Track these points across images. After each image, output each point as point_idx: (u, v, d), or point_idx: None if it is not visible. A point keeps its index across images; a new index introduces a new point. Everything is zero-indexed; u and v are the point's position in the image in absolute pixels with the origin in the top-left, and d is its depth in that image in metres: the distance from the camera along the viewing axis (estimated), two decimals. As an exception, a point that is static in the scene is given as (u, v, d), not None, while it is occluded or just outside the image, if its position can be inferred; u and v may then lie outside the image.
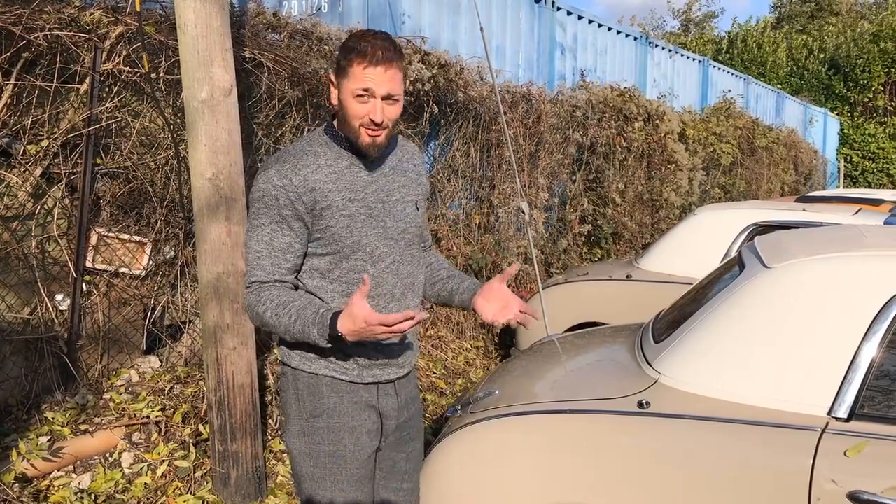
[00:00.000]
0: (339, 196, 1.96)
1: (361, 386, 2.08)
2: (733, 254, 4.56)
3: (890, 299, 2.18)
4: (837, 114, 22.17)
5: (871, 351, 2.15)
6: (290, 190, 1.92)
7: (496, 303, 2.17)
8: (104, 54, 3.73)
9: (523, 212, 4.96)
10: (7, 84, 3.47)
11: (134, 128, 3.90)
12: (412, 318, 1.80)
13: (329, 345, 1.91)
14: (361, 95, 1.89)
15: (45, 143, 3.59)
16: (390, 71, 1.89)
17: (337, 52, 1.95)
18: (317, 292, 2.02)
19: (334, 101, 1.97)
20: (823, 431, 2.10)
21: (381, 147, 1.99)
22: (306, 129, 4.57)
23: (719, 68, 13.95)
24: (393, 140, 2.16)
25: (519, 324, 2.15)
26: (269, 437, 3.90)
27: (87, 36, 3.67)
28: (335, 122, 2.04)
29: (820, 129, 19.76)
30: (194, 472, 3.52)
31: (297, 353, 2.07)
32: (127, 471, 3.48)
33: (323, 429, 2.05)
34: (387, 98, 1.91)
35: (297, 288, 2.03)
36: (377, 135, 1.94)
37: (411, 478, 2.31)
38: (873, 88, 21.91)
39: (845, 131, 22.13)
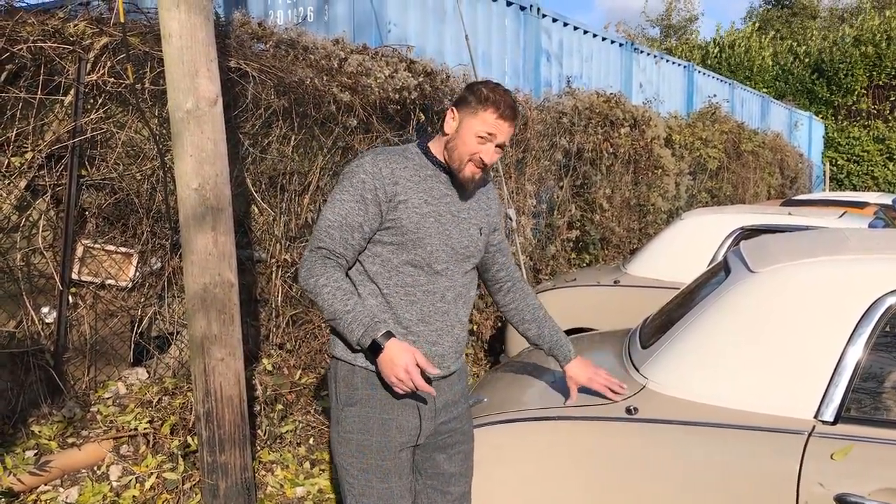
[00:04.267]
0: (417, 196, 2.18)
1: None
2: (720, 258, 4.58)
3: (874, 302, 2.20)
4: (822, 117, 22.33)
5: (856, 354, 2.17)
6: (377, 177, 2.13)
7: (588, 375, 2.49)
8: (88, 65, 3.71)
9: (510, 218, 4.98)
10: (-10, 96, 3.46)
11: (119, 139, 3.88)
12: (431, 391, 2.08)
13: (358, 346, 2.11)
14: (483, 137, 2.16)
15: (29, 156, 3.58)
16: (512, 126, 2.20)
17: (467, 92, 2.21)
18: (374, 278, 2.19)
19: (449, 130, 2.22)
20: (810, 435, 2.12)
21: (476, 183, 2.26)
22: (293, 138, 4.56)
23: (704, 73, 14.04)
24: None
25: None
26: (258, 448, 3.88)
27: (71, 47, 3.65)
28: (432, 142, 2.28)
29: (805, 133, 19.90)
30: (183, 485, 3.50)
31: (340, 343, 2.22)
32: (115, 484, 3.45)
33: (354, 418, 2.18)
34: (499, 146, 2.19)
35: (350, 269, 2.21)
36: (477, 173, 2.21)
37: (459, 482, 2.35)
38: (856, 92, 22.09)
39: (830, 135, 22.30)
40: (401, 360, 2.03)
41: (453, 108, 2.22)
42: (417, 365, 2.06)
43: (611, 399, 2.42)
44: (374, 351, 2.07)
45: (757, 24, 27.50)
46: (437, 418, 2.26)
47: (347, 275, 2.22)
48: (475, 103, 2.17)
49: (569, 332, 4.67)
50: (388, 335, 2.07)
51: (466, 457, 2.37)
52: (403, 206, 2.15)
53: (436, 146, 2.27)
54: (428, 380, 2.15)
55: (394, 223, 2.15)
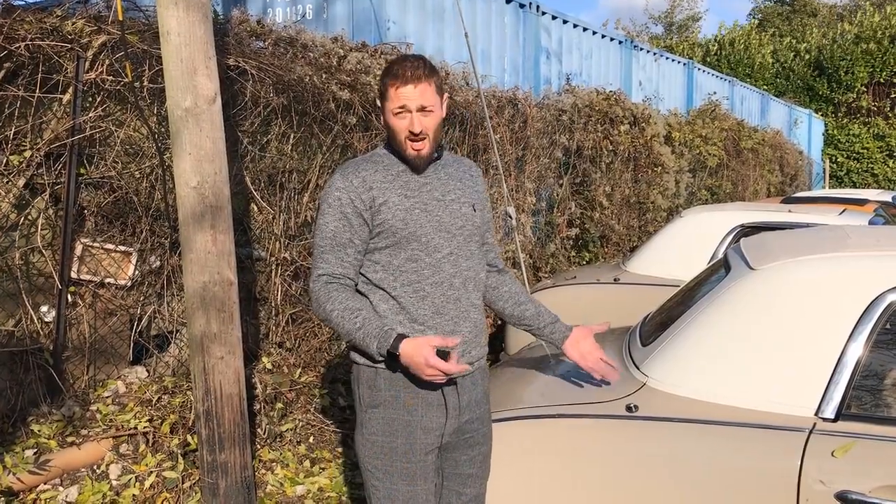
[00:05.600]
0: (395, 193, 2.16)
1: (416, 384, 2.14)
2: (720, 255, 4.58)
3: (875, 299, 2.20)
4: (822, 115, 22.32)
5: (856, 351, 2.16)
6: (350, 190, 2.14)
7: (582, 351, 2.48)
8: (87, 64, 3.71)
9: (510, 216, 4.97)
10: (-11, 95, 3.45)
11: (118, 137, 3.88)
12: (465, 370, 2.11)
13: (381, 358, 2.11)
14: (399, 112, 2.13)
15: (28, 154, 3.57)
16: (420, 86, 2.11)
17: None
18: (380, 284, 2.17)
19: (383, 123, 2.21)
20: (811, 432, 2.11)
21: (427, 158, 2.20)
22: (292, 136, 4.56)
23: (704, 71, 14.03)
24: (448, 154, 2.36)
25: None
26: (258, 447, 3.88)
27: (69, 45, 3.64)
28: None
29: (805, 130, 19.89)
30: (183, 483, 3.49)
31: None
32: (115, 483, 3.45)
33: (378, 420, 2.17)
34: (421, 110, 2.12)
35: (356, 285, 2.22)
36: (420, 147, 2.15)
37: (475, 483, 2.32)
38: (856, 89, 22.08)
39: (830, 132, 22.29)
40: (418, 358, 2.02)
41: (377, 100, 2.22)
42: (440, 352, 2.05)
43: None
44: (393, 359, 2.08)
45: (756, 22, 27.49)
46: (461, 416, 2.23)
47: (358, 290, 2.21)
48: (381, 87, 2.17)
49: (569, 330, 4.68)
50: (400, 338, 2.06)
51: (485, 458, 2.35)
52: (385, 208, 2.14)
53: None
54: (444, 354, 2.11)
55: (382, 226, 2.14)
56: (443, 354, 2.09)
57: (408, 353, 2.04)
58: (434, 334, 2.17)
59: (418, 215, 2.16)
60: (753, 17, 30.54)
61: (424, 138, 2.15)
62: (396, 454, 2.15)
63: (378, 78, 2.23)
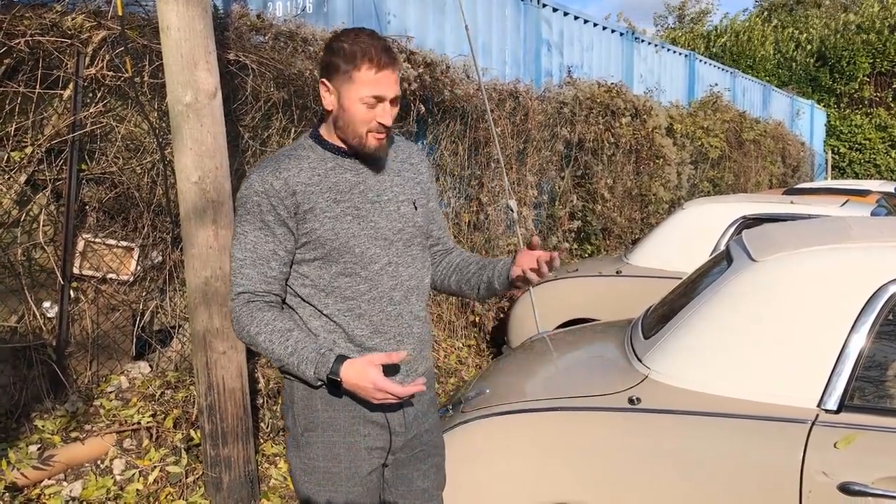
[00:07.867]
0: (323, 198, 1.90)
1: (358, 401, 1.94)
2: (722, 247, 4.57)
3: (877, 290, 2.19)
4: (824, 105, 22.27)
5: (859, 342, 2.16)
6: (271, 195, 1.86)
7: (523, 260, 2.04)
8: (87, 59, 3.70)
9: (511, 209, 4.96)
10: (-11, 91, 3.45)
11: (119, 133, 3.87)
12: (420, 388, 1.83)
13: (318, 384, 1.87)
14: (371, 101, 1.85)
15: (29, 150, 3.57)
16: (395, 73, 1.87)
17: (329, 55, 1.88)
18: (309, 300, 1.94)
19: (330, 106, 1.91)
20: (813, 424, 2.11)
21: (386, 148, 1.96)
22: (293, 131, 4.55)
23: (705, 62, 13.99)
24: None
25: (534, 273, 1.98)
26: (262, 441, 3.88)
27: (69, 41, 3.64)
28: (322, 127, 1.98)
29: (807, 122, 19.84)
30: (186, 478, 3.50)
31: None
32: (118, 477, 3.46)
33: (318, 444, 1.95)
34: (393, 100, 1.89)
35: (284, 300, 1.97)
36: (383, 137, 1.91)
37: (432, 496, 2.14)
38: (859, 80, 22.03)
39: (832, 123, 22.24)
40: (365, 382, 1.80)
41: (323, 80, 1.90)
42: (388, 368, 1.90)
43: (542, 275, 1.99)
44: (335, 385, 1.86)
45: (764, 14, 27.39)
46: (407, 433, 2.04)
47: (286, 301, 1.97)
48: (345, 65, 1.84)
49: (571, 323, 4.69)
50: (341, 360, 1.83)
51: (439, 469, 2.17)
52: (312, 215, 1.88)
53: (327, 130, 1.97)
54: (397, 368, 1.97)
55: (308, 236, 1.89)
56: (392, 369, 1.95)
57: (351, 380, 1.82)
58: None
59: (349, 223, 1.91)
60: (761, 7, 30.42)
61: (389, 130, 1.93)
62: (340, 479, 1.94)
63: (324, 52, 1.89)
